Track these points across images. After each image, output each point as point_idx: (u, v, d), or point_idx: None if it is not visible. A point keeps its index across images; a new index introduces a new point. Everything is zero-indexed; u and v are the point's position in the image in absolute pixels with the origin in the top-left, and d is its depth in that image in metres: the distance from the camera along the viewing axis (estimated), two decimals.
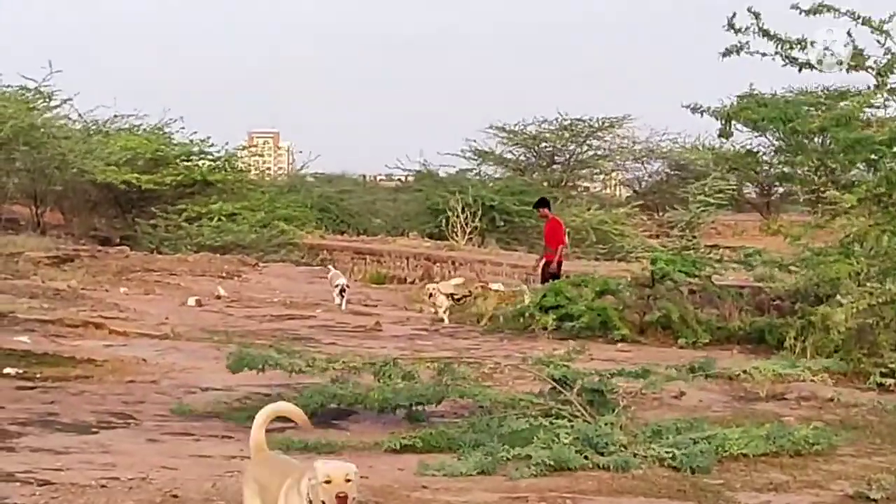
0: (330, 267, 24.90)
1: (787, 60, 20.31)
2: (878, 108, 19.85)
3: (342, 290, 25.82)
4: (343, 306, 25.69)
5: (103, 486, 11.20)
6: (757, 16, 20.11)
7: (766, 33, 19.72)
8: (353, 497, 10.68)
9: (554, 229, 27.65)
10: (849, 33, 20.40)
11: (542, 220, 28.30)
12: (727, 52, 20.84)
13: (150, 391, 16.73)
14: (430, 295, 23.73)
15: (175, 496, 10.76)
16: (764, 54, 20.53)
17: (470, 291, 23.57)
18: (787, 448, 13.26)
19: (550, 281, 25.66)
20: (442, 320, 23.25)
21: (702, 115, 20.59)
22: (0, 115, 33.37)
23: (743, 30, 20.07)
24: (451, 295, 21.82)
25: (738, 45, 19.96)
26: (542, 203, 29.18)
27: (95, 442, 13.37)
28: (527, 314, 23.78)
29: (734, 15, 19.95)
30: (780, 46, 20.09)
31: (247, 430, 14.14)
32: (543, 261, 27.15)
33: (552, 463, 12.19)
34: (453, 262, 36.01)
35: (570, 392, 14.61)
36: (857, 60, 19.92)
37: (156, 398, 16.10)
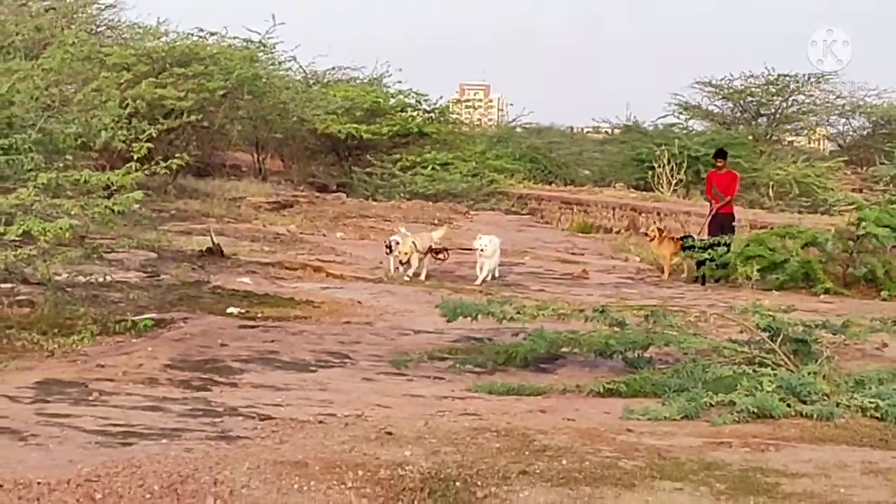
0: (401, 229, 23.90)
1: None
2: None
3: (389, 247, 23.40)
4: (391, 268, 23.60)
5: (320, 422, 11.54)
6: None
7: None
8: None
9: (731, 181, 27.07)
10: None
11: (716, 167, 27.30)
12: None
13: (365, 332, 17.02)
14: (406, 254, 22.15)
15: (389, 433, 11.02)
16: None
17: (445, 248, 23.05)
18: None
19: (720, 233, 25.20)
20: (418, 275, 22.22)
21: None
22: (226, 66, 33.76)
23: None
24: (430, 248, 21.79)
25: None
26: (722, 154, 28.64)
27: (313, 380, 13.71)
28: (729, 264, 23.51)
29: None
30: None
31: (457, 372, 14.39)
32: (715, 211, 26.20)
33: (755, 410, 12.35)
34: (658, 213, 35.68)
35: (774, 341, 14.59)
36: None
37: (370, 339, 16.39)
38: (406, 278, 20.75)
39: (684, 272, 24.97)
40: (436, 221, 31.83)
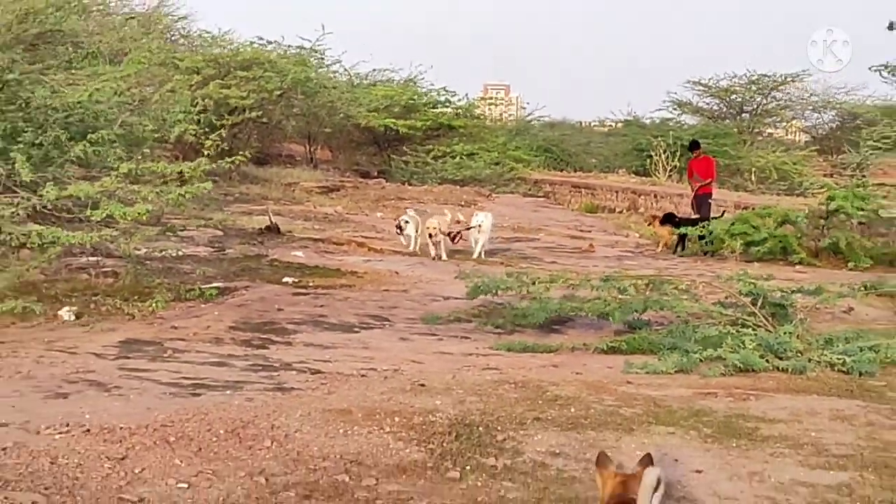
0: (409, 211, 23.95)
1: None
2: None
3: (399, 227, 23.10)
4: (411, 244, 22.96)
5: (363, 376, 11.62)
6: None
7: None
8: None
9: (707, 165, 27.31)
10: None
11: (695, 156, 27.50)
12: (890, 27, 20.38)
13: (402, 299, 17.04)
14: (430, 235, 21.42)
15: (422, 385, 11.07)
16: None
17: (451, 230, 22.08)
18: None
19: (703, 213, 25.41)
20: (439, 256, 21.55)
21: (881, 72, 20.39)
22: (282, 70, 33.91)
23: None
24: (452, 227, 21.26)
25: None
26: (696, 145, 28.87)
27: (356, 339, 13.75)
28: (716, 240, 23.64)
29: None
30: None
31: (481, 332, 14.39)
32: (696, 192, 26.45)
33: (739, 365, 12.49)
34: (655, 195, 35.60)
35: (755, 305, 14.63)
36: None
37: (406, 304, 16.43)
38: (436, 258, 20.77)
39: (673, 247, 25.06)
40: (462, 203, 31.78)
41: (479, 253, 21.18)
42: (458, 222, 21.31)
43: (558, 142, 45.56)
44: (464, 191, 34.78)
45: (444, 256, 20.33)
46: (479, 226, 21.09)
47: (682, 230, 24.81)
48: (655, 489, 5.58)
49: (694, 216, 25.53)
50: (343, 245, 23.27)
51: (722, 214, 25.67)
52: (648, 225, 26.78)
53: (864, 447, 9.54)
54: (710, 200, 26.85)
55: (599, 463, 6.17)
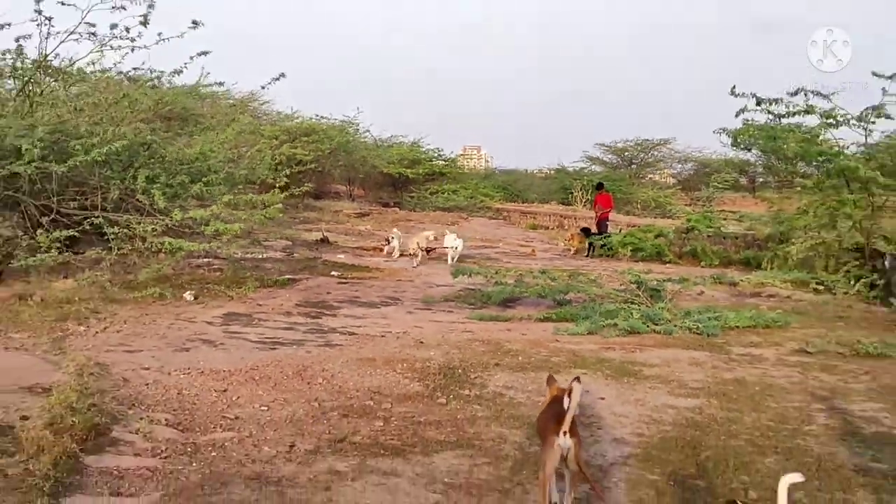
0: (394, 230, 22.13)
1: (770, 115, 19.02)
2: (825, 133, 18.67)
3: (388, 240, 21.78)
4: (395, 253, 21.68)
5: (382, 336, 11.68)
6: (758, 99, 18.94)
7: (759, 102, 18.71)
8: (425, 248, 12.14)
9: (607, 199, 27.16)
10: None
11: (599, 192, 27.83)
12: (737, 113, 19.90)
13: (409, 286, 16.98)
14: (415, 249, 20.39)
15: (421, 342, 11.19)
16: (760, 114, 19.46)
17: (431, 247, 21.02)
18: (761, 323, 13.34)
19: (603, 230, 25.47)
20: (419, 264, 20.05)
21: (721, 134, 19.91)
22: (331, 136, 34.11)
23: (743, 95, 18.96)
24: (427, 243, 19.89)
25: (741, 109, 18.83)
26: (600, 186, 29.25)
27: (378, 313, 13.74)
28: (615, 247, 23.70)
29: (734, 87, 18.91)
30: (766, 106, 18.90)
31: (456, 308, 14.32)
32: (598, 216, 26.69)
33: (628, 329, 12.55)
34: (574, 218, 35.45)
35: (639, 290, 14.64)
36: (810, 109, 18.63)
37: (411, 290, 16.39)
38: (413, 266, 19.17)
39: (585, 252, 24.91)
40: (448, 223, 31.75)
41: (452, 259, 20.20)
42: (436, 239, 20.87)
43: (512, 182, 45.65)
44: (449, 215, 34.71)
45: (416, 264, 19.14)
46: (455, 246, 20.24)
47: (591, 240, 25.06)
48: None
49: (598, 232, 25.67)
50: (370, 251, 23.20)
51: (619, 231, 25.90)
52: (569, 239, 26.82)
53: (710, 382, 9.58)
54: (607, 222, 26.73)
55: (548, 381, 6.69)
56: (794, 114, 18.15)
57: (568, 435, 5.77)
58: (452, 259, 19.54)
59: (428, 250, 19.50)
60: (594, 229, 26.09)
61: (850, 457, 7.38)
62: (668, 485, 6.60)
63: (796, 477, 5.06)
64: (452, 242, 19.05)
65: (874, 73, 17.28)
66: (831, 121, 18.05)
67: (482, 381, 9.25)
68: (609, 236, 24.60)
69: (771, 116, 18.46)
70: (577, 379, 6.19)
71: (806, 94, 18.11)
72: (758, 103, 18.25)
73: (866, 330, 12.93)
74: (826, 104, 18.04)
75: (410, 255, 19.22)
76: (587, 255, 24.60)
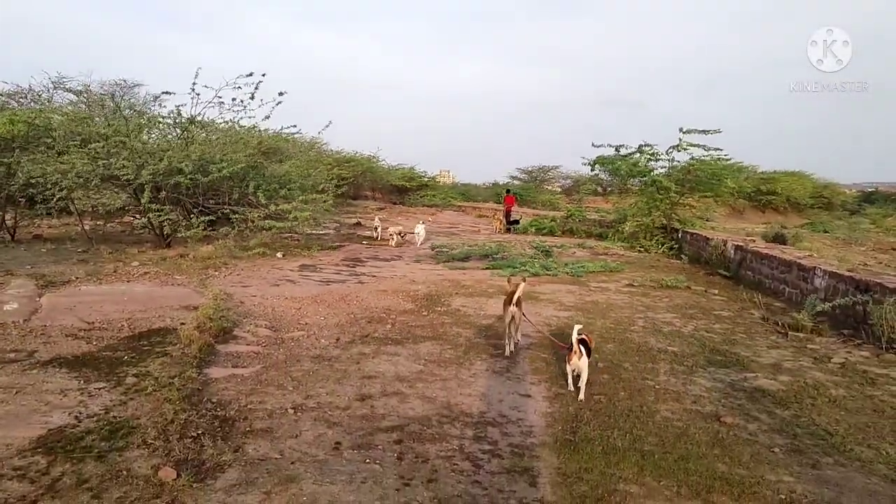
0: (376, 218, 20.58)
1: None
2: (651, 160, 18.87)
3: (375, 228, 19.09)
4: (376, 234, 18.74)
5: (391, 278, 11.65)
6: (615, 147, 19.02)
7: (617, 148, 18.81)
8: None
9: (512, 200, 26.33)
10: None
11: (507, 195, 27.00)
12: (591, 164, 19.77)
13: (406, 250, 16.87)
14: (392, 235, 17.45)
15: (413, 281, 11.12)
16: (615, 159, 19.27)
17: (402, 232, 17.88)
18: (607, 269, 13.34)
19: (510, 223, 24.01)
20: (395, 245, 16.97)
21: (588, 163, 19.98)
22: (362, 163, 33.85)
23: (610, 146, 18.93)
24: (400, 231, 17.70)
25: (597, 145, 18.95)
26: (508, 191, 28.83)
27: (389, 265, 13.70)
28: (528, 226, 23.46)
29: (592, 142, 19.12)
30: (616, 149, 19.08)
31: (435, 263, 14.23)
32: (504, 213, 25.53)
33: (532, 272, 12.44)
34: (500, 212, 35.40)
35: (539, 251, 14.69)
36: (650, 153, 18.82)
37: (410, 253, 16.26)
38: (392, 246, 16.66)
39: (502, 232, 24.11)
40: (430, 214, 31.50)
41: (419, 243, 17.48)
42: (401, 232, 19.07)
43: (468, 190, 45.30)
44: (430, 210, 34.50)
45: (393, 244, 16.68)
46: (418, 232, 17.73)
47: (508, 225, 24.63)
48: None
49: (512, 219, 24.56)
50: (387, 230, 23.11)
51: (521, 218, 25.10)
52: (496, 224, 26.01)
53: (578, 302, 9.65)
54: (511, 213, 25.22)
55: (509, 280, 7.56)
56: (631, 154, 18.42)
57: (515, 305, 6.82)
58: (419, 241, 17.56)
59: (402, 234, 17.82)
60: (508, 219, 25.25)
61: (656, 343, 7.54)
62: (552, 358, 6.74)
63: (578, 327, 6.00)
64: (418, 230, 17.74)
65: (681, 129, 17.39)
66: (651, 155, 18.30)
67: (448, 302, 9.32)
68: (517, 221, 24.13)
69: (617, 153, 18.72)
70: (524, 279, 7.41)
71: (641, 146, 18.39)
72: (616, 149, 18.57)
73: (666, 273, 13.09)
74: (650, 148, 18.39)
75: (386, 239, 17.48)
76: (508, 232, 24.22)
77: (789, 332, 8.29)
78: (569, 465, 4.34)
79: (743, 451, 4.73)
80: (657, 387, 6.01)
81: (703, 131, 17.25)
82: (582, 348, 5.83)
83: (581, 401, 5.55)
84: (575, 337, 5.87)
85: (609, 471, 4.29)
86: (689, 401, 5.71)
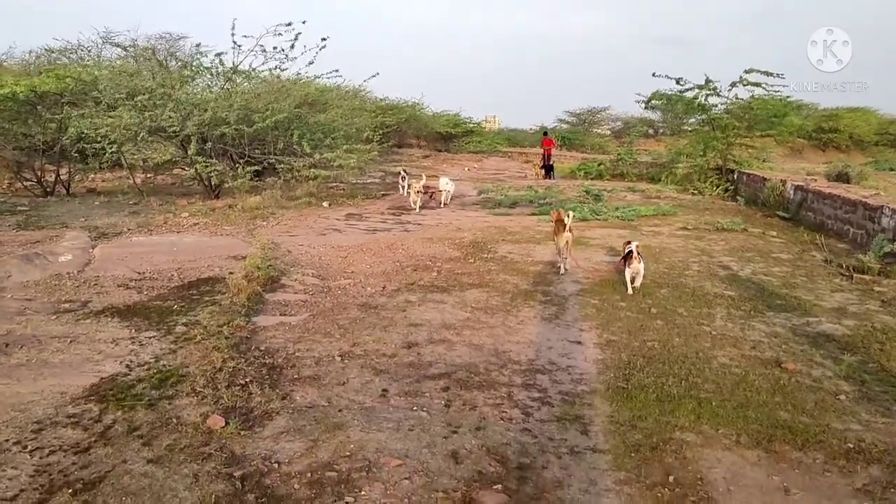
0: (402, 171, 16.96)
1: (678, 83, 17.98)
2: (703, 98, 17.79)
3: (402, 178, 16.14)
4: (403, 191, 15.82)
5: (437, 225, 11.58)
6: (676, 79, 17.81)
7: (678, 81, 17.73)
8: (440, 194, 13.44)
9: (551, 143, 24.91)
10: None
11: (545, 138, 25.73)
12: (647, 101, 18.92)
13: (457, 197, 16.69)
14: (418, 191, 13.99)
15: (459, 228, 11.00)
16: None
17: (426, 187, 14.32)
18: (660, 213, 12.96)
19: (546, 169, 22.62)
20: (417, 208, 13.63)
21: (643, 100, 19.14)
22: (405, 110, 33.38)
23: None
24: (425, 186, 14.44)
25: (654, 73, 17.98)
26: (545, 133, 27.86)
27: (434, 212, 13.58)
28: (575, 171, 22.80)
29: (654, 72, 17.85)
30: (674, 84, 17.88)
31: (483, 208, 14.04)
32: (543, 156, 24.35)
33: (581, 217, 12.15)
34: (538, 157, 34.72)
35: (589, 195, 14.37)
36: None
37: (455, 201, 15.97)
38: (416, 208, 14.67)
39: (544, 177, 23.03)
40: (476, 161, 31.10)
41: (445, 201, 14.73)
42: (428, 183, 16.59)
43: (514, 136, 44.48)
44: (475, 156, 34.01)
45: (416, 206, 13.65)
46: (448, 190, 14.86)
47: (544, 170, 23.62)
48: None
49: (547, 164, 23.48)
50: (430, 178, 22.92)
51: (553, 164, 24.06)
52: (534, 169, 24.93)
53: (626, 237, 9.42)
54: (551, 157, 23.33)
55: (552, 213, 8.95)
56: (688, 89, 17.46)
57: (569, 231, 7.84)
58: (445, 198, 14.83)
59: (428, 192, 14.99)
60: (547, 165, 24.26)
61: (712, 288, 7.27)
62: (602, 304, 6.56)
63: (635, 243, 7.13)
64: (445, 186, 14.93)
65: (745, 71, 16.50)
66: (711, 90, 17.34)
67: (495, 249, 9.17)
68: (551, 168, 22.84)
69: (678, 84, 17.55)
70: (570, 211, 8.40)
71: (700, 85, 17.37)
72: (677, 81, 17.40)
73: (721, 215, 12.63)
74: (711, 84, 17.42)
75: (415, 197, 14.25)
76: (546, 178, 23.11)
77: (854, 275, 7.90)
78: (622, 412, 4.21)
79: (806, 398, 4.51)
80: (714, 332, 5.78)
81: (766, 73, 16.37)
82: (640, 255, 7.03)
83: (633, 292, 6.92)
84: (634, 246, 7.04)
85: (664, 418, 4.13)
86: (747, 346, 5.48)
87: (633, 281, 6.97)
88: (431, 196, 15.03)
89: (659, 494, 3.36)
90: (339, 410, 4.09)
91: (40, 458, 3.41)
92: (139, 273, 7.24)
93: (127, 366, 4.64)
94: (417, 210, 13.45)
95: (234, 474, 3.33)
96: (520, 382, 4.62)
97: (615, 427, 4.02)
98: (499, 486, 3.34)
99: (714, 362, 5.09)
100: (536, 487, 3.37)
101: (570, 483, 3.42)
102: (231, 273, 7.20)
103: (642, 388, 4.57)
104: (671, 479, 3.50)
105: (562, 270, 7.88)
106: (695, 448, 3.80)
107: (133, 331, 5.38)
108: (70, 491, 3.12)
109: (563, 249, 7.94)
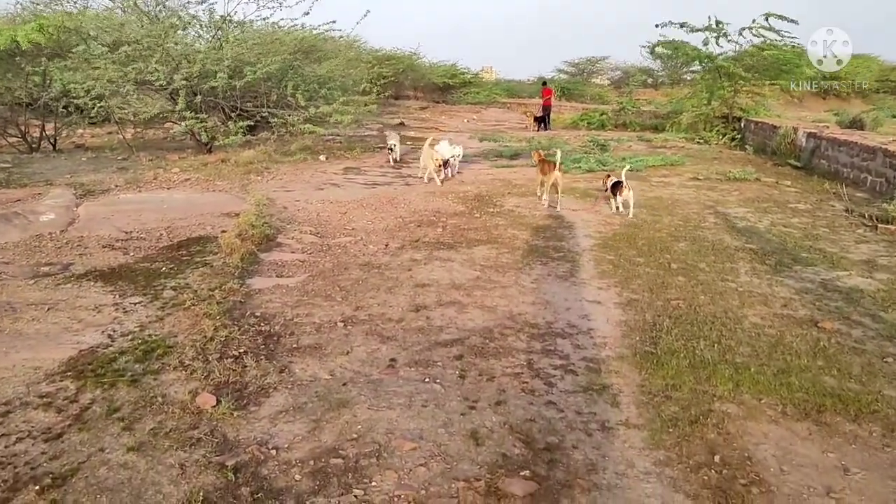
0: (388, 132, 15.61)
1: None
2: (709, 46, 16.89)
3: (391, 148, 13.05)
4: (392, 160, 12.97)
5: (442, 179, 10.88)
6: (682, 25, 16.84)
7: (682, 25, 16.82)
8: (448, 162, 10.76)
9: (548, 91, 23.90)
10: None
11: (544, 88, 24.78)
12: (652, 48, 17.99)
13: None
14: (439, 165, 12.12)
15: (463, 181, 10.43)
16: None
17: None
18: (668, 163, 12.52)
19: (540, 121, 21.39)
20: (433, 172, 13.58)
21: (645, 48, 18.41)
22: (402, 60, 32.36)
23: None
24: (444, 160, 12.89)
25: (659, 24, 17.03)
26: (544, 83, 27.00)
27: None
28: (579, 120, 22.08)
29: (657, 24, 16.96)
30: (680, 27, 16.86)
31: (486, 160, 13.52)
32: (542, 106, 23.50)
33: (587, 169, 11.76)
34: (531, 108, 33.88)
35: (595, 145, 13.84)
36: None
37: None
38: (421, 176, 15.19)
39: (536, 129, 22.11)
40: (475, 112, 30.27)
41: (453, 171, 14.63)
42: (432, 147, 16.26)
43: (512, 87, 43.39)
44: (474, 108, 33.15)
45: (426, 179, 13.77)
46: (455, 156, 14.09)
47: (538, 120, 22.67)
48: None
49: (543, 114, 22.64)
50: (431, 129, 22.24)
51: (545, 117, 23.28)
52: (528, 120, 23.83)
53: (640, 199, 8.91)
54: (549, 107, 22.13)
55: (532, 154, 9.64)
56: (697, 30, 16.59)
57: (558, 170, 8.26)
58: (455, 162, 11.79)
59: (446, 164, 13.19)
60: (540, 113, 23.28)
61: (732, 241, 6.82)
62: (619, 260, 6.11)
63: (627, 167, 8.43)
64: (451, 151, 11.50)
65: (762, 16, 15.70)
66: (721, 33, 16.48)
67: (501, 203, 8.69)
68: (544, 119, 21.63)
69: (683, 28, 16.66)
70: (557, 150, 9.10)
71: (709, 25, 16.44)
72: (681, 26, 16.56)
73: (731, 165, 12.15)
74: (720, 26, 16.53)
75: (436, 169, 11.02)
76: (538, 130, 21.98)
77: (879, 225, 7.44)
78: (653, 381, 3.79)
79: (851, 361, 4.10)
80: (740, 289, 5.35)
81: (781, 17, 15.56)
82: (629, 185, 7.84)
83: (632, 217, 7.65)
84: (625, 174, 7.94)
85: (700, 387, 3.72)
86: (778, 304, 5.05)
87: (625, 206, 7.84)
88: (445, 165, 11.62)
89: (705, 477, 2.95)
90: (344, 384, 3.66)
91: (5, 446, 2.97)
92: (126, 233, 6.75)
93: (109, 336, 4.19)
94: (440, 184, 10.22)
95: (227, 463, 2.90)
96: (539, 348, 4.19)
97: (648, 398, 3.60)
98: (526, 472, 2.93)
99: (745, 322, 4.67)
100: (568, 472, 2.95)
101: (605, 465, 3.01)
102: (224, 231, 6.72)
103: (672, 352, 4.14)
104: (716, 458, 3.09)
105: (544, 203, 8.43)
106: (738, 421, 3.39)
107: (117, 296, 4.92)
108: (37, 487, 2.70)
109: (552, 189, 8.31)
